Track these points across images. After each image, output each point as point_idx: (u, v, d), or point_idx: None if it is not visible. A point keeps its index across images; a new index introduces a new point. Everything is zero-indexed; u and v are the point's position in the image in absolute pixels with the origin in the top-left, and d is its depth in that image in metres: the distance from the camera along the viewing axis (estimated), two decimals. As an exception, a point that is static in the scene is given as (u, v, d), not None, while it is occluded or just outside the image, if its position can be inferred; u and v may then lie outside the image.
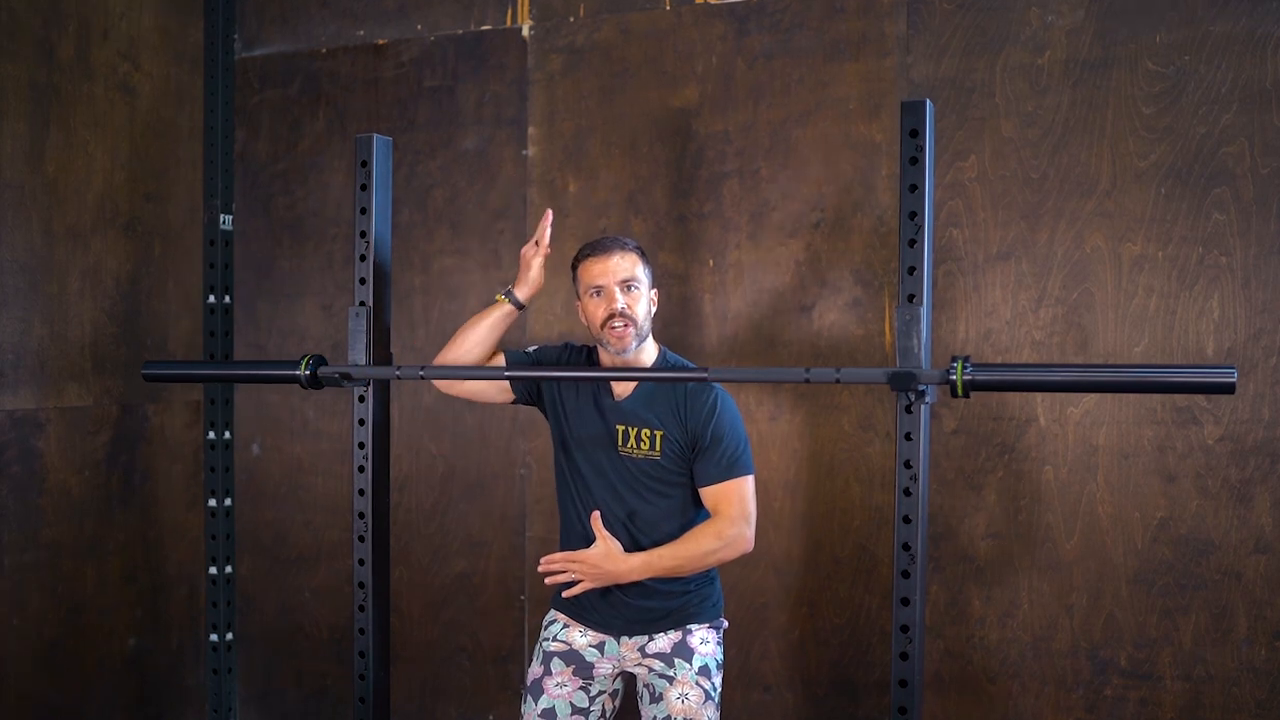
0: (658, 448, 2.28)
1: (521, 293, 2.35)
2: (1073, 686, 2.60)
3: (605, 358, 2.35)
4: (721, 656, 2.36)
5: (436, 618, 3.21)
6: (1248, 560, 2.47)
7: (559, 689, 2.33)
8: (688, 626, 2.32)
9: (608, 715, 2.39)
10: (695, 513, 2.34)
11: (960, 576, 2.69)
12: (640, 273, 2.29)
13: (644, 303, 2.29)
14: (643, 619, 2.31)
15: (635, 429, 2.29)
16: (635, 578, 2.23)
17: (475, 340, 2.33)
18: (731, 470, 2.26)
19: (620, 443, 2.29)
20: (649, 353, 2.34)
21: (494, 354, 2.39)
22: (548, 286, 3.03)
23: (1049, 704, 2.62)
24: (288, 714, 3.40)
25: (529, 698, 2.35)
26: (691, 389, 2.30)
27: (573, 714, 2.32)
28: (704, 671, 2.30)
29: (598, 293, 2.27)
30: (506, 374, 2.28)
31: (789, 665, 2.85)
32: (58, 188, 2.91)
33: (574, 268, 2.35)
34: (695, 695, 2.27)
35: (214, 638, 3.39)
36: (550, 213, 2.37)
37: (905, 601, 1.92)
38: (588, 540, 2.29)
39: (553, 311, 3.03)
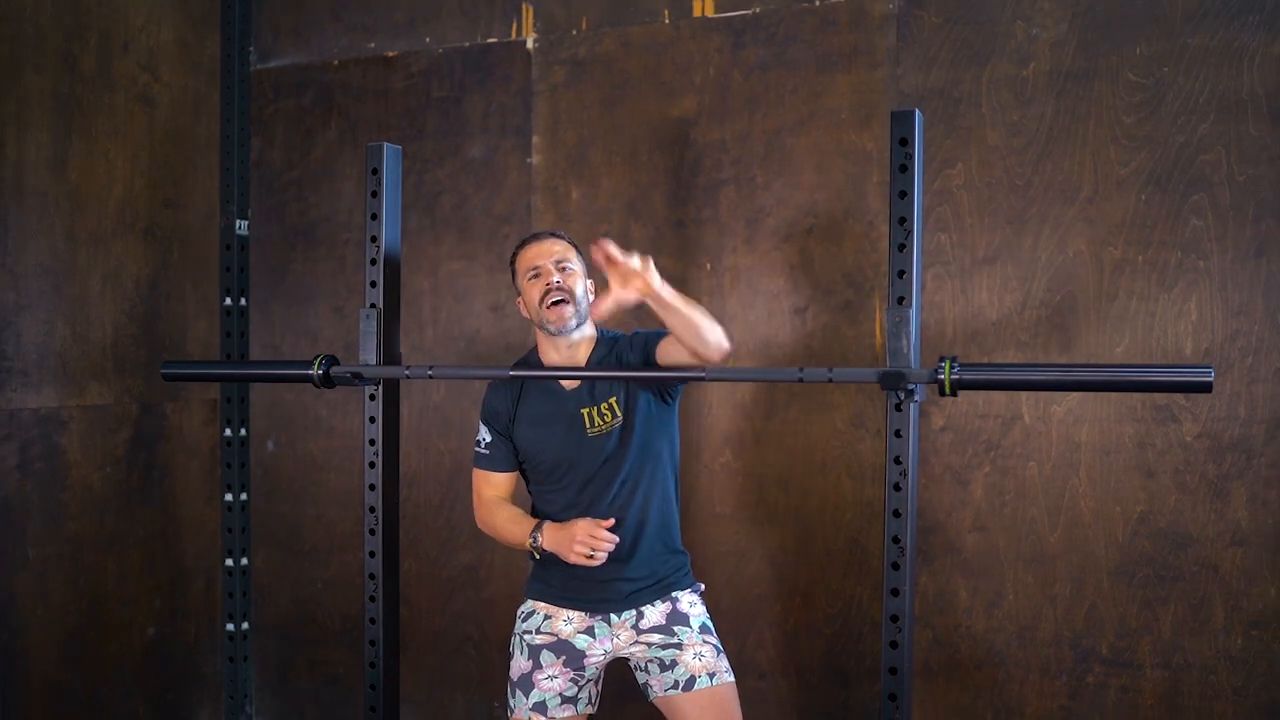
0: (619, 412, 2.31)
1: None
2: (1056, 674, 2.67)
3: (546, 348, 2.36)
4: (709, 618, 2.39)
5: (444, 608, 3.27)
6: (1224, 553, 2.53)
7: (549, 681, 2.32)
8: (672, 595, 2.34)
9: (593, 700, 2.38)
10: (671, 467, 2.36)
11: (948, 568, 2.76)
12: (573, 257, 2.35)
13: (580, 284, 2.33)
14: (631, 593, 2.32)
15: (595, 406, 2.32)
16: (664, 293, 2.03)
17: (501, 536, 2.38)
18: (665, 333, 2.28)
19: (588, 426, 2.31)
20: (588, 332, 2.37)
21: (491, 490, 2.42)
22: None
23: (1033, 691, 2.68)
24: (301, 701, 3.45)
25: (518, 692, 2.34)
26: (623, 345, 2.35)
27: (562, 704, 2.32)
28: (705, 630, 2.34)
29: (535, 274, 2.31)
30: (511, 373, 2.28)
31: (783, 654, 2.91)
32: (80, 195, 2.95)
33: (512, 264, 2.39)
34: (708, 651, 2.30)
35: (230, 627, 3.44)
36: None
37: (895, 592, 1.98)
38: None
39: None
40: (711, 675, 2.29)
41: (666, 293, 2.03)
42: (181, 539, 3.31)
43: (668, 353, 2.23)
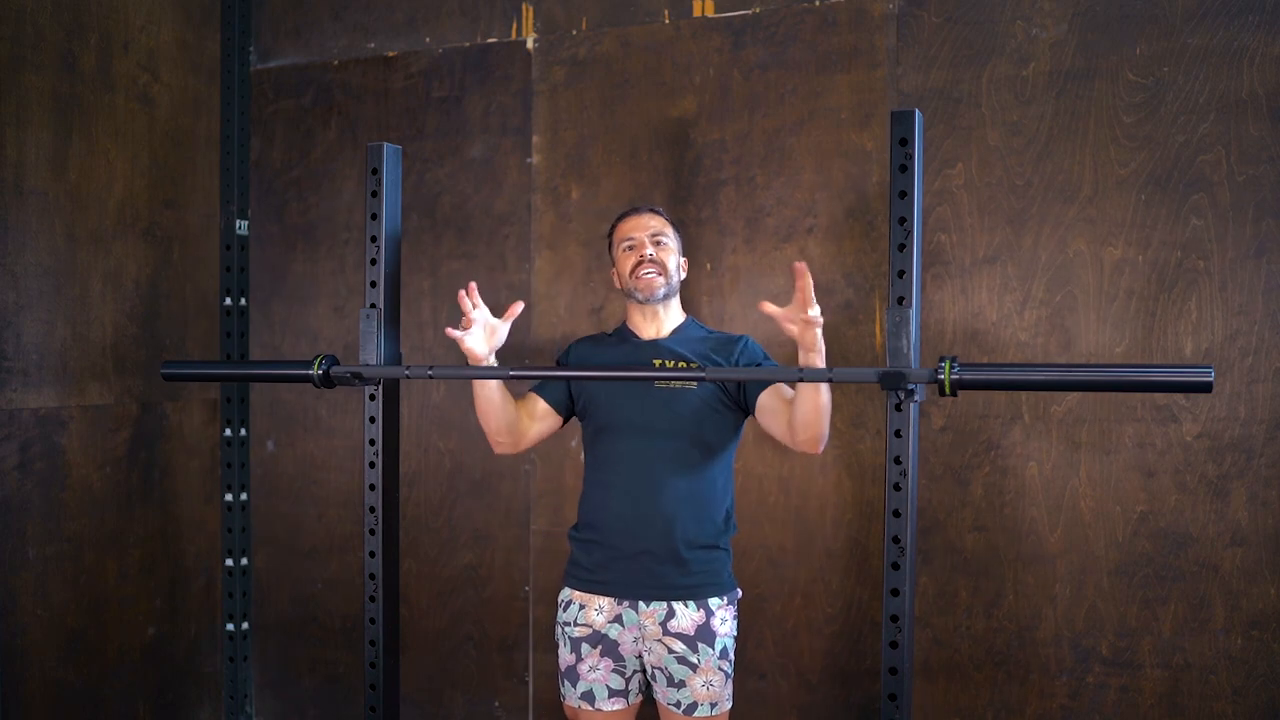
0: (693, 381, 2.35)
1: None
2: (1056, 674, 2.67)
3: (635, 316, 2.47)
4: (736, 629, 2.42)
5: (444, 608, 3.27)
6: (1224, 553, 2.54)
7: (593, 673, 2.38)
8: (709, 603, 2.35)
9: (641, 691, 2.44)
10: (728, 469, 2.41)
11: (948, 568, 2.76)
12: (669, 232, 2.46)
13: (673, 259, 2.44)
14: (664, 585, 2.33)
15: (672, 361, 2.38)
16: (819, 356, 2.12)
17: (486, 411, 2.37)
18: (771, 361, 2.43)
19: (656, 380, 2.32)
20: (676, 311, 2.49)
21: (518, 402, 2.46)
22: (549, 290, 3.12)
23: (1034, 691, 2.69)
24: (301, 701, 3.46)
25: (565, 682, 2.42)
26: (721, 338, 2.46)
27: (610, 697, 2.38)
28: (724, 654, 2.36)
29: (630, 247, 2.43)
30: (511, 373, 2.26)
31: (783, 654, 2.92)
32: (80, 194, 2.95)
33: (610, 235, 2.51)
34: (719, 680, 2.34)
35: (230, 627, 3.45)
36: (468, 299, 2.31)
37: (895, 592, 1.97)
38: (612, 507, 2.36)
39: (555, 314, 3.10)
40: (713, 705, 2.35)
41: (818, 358, 2.11)
42: (181, 539, 3.32)
43: (768, 406, 2.31)
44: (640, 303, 2.43)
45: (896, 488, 1.98)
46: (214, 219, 3.43)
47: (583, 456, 2.50)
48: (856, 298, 2.83)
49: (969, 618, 2.74)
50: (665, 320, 2.46)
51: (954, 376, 1.91)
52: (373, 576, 2.30)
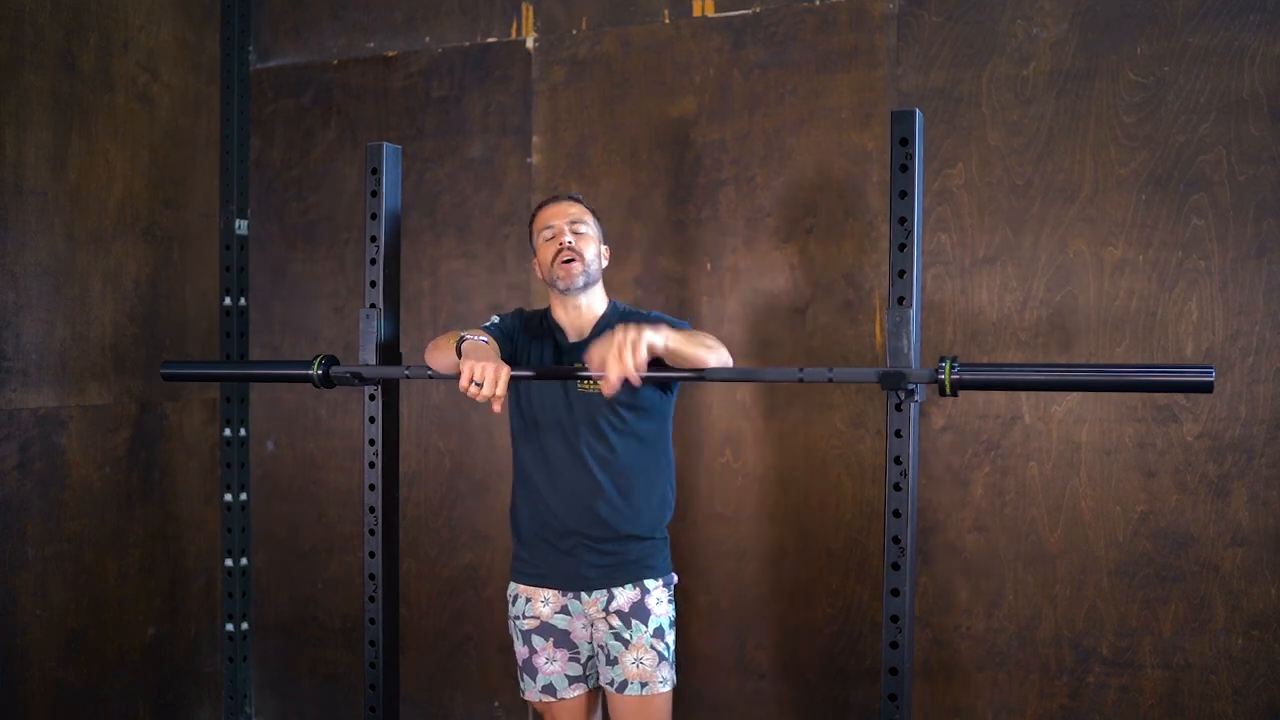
0: None
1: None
2: (1056, 674, 2.67)
3: (556, 307, 2.43)
4: (674, 613, 2.41)
5: (444, 608, 3.28)
6: (1225, 553, 2.54)
7: (550, 664, 2.40)
8: (644, 583, 2.35)
9: (599, 675, 2.44)
10: (661, 452, 2.39)
11: (948, 568, 2.76)
12: (589, 219, 2.42)
13: (593, 247, 2.40)
14: (602, 573, 2.34)
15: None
16: (655, 340, 2.04)
17: (446, 365, 2.27)
18: (683, 325, 2.30)
19: (579, 381, 2.33)
20: (599, 298, 2.44)
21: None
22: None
23: (1034, 691, 2.69)
24: (301, 701, 3.46)
25: (525, 676, 2.43)
26: (636, 318, 2.36)
27: (571, 685, 2.40)
28: (658, 633, 2.35)
29: (549, 235, 2.38)
30: (511, 374, 2.29)
31: (783, 654, 2.92)
32: (80, 194, 2.95)
33: (530, 224, 2.47)
34: (650, 659, 2.33)
35: (230, 627, 3.45)
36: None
37: (895, 592, 1.98)
38: (542, 503, 2.34)
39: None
40: (644, 684, 2.33)
41: (661, 345, 2.05)
42: (181, 539, 3.32)
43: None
44: (561, 292, 2.39)
45: (896, 488, 1.98)
46: (214, 219, 3.44)
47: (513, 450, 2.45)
48: (857, 298, 2.83)
49: (969, 618, 2.74)
50: (587, 312, 2.41)
51: (954, 376, 1.91)
52: (373, 576, 2.30)
